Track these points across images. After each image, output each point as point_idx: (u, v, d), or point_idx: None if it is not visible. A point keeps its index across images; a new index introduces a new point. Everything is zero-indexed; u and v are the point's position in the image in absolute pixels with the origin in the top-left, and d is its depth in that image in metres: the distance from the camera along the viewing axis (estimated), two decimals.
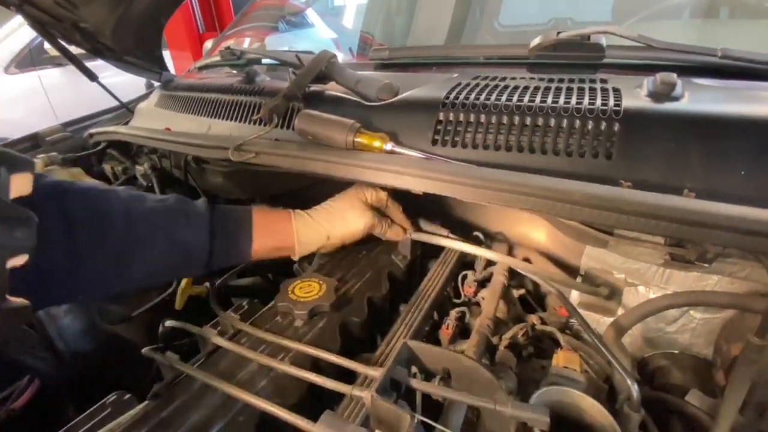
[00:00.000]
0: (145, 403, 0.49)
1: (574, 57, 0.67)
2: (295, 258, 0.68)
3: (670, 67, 0.63)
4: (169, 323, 0.60)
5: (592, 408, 0.47)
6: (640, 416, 0.47)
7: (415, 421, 0.40)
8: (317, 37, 2.48)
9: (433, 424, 0.41)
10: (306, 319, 0.57)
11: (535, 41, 0.69)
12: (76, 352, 0.78)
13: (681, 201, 0.39)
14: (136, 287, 0.62)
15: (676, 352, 0.65)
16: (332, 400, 0.46)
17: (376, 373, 0.45)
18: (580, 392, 0.48)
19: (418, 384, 0.41)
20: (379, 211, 0.72)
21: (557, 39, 0.66)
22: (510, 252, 0.82)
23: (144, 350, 0.55)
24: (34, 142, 1.13)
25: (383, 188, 0.71)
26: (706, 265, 0.49)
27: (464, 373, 0.42)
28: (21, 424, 0.60)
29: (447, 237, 0.72)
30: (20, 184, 0.38)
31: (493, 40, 1.54)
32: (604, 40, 0.65)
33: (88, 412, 0.51)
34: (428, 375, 0.48)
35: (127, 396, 0.53)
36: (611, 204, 0.40)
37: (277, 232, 0.65)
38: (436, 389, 0.41)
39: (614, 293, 0.66)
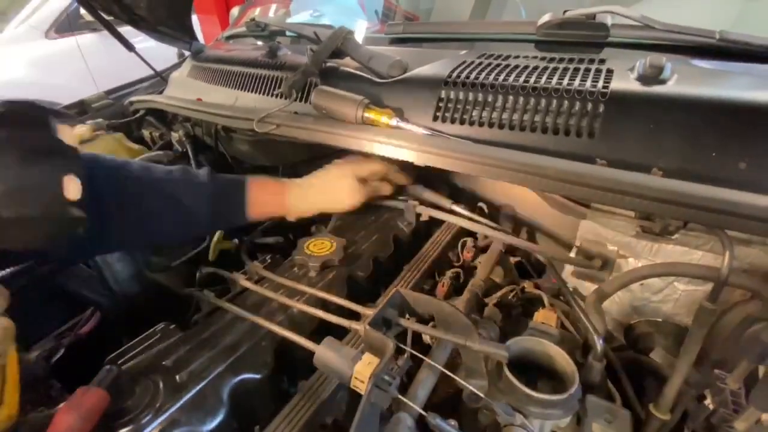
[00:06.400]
0: (188, 330, 0.59)
1: (580, 36, 0.70)
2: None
3: (671, 47, 0.65)
4: (205, 270, 0.70)
5: (558, 355, 0.54)
6: (602, 365, 0.54)
7: (406, 354, 0.49)
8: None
9: (420, 356, 0.49)
10: (318, 270, 0.67)
11: (543, 19, 0.71)
12: (127, 294, 0.91)
13: (642, 178, 0.44)
14: (156, 245, 0.80)
15: (660, 320, 0.69)
16: (338, 336, 0.54)
17: (372, 313, 0.54)
18: (549, 342, 0.55)
19: (405, 322, 0.49)
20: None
21: (564, 18, 0.69)
22: (515, 222, 0.88)
23: (186, 290, 0.66)
24: (82, 108, 1.25)
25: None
26: (673, 237, 0.54)
27: (446, 318, 0.50)
28: (85, 348, 0.73)
29: (450, 211, 0.77)
30: (68, 136, 0.48)
31: (522, 2, 1.49)
32: (609, 20, 0.67)
33: (140, 336, 0.62)
34: (419, 322, 0.56)
35: (173, 326, 0.64)
36: (580, 179, 0.46)
37: (273, 204, 0.73)
38: (418, 327, 0.49)
39: (606, 264, 0.71)
